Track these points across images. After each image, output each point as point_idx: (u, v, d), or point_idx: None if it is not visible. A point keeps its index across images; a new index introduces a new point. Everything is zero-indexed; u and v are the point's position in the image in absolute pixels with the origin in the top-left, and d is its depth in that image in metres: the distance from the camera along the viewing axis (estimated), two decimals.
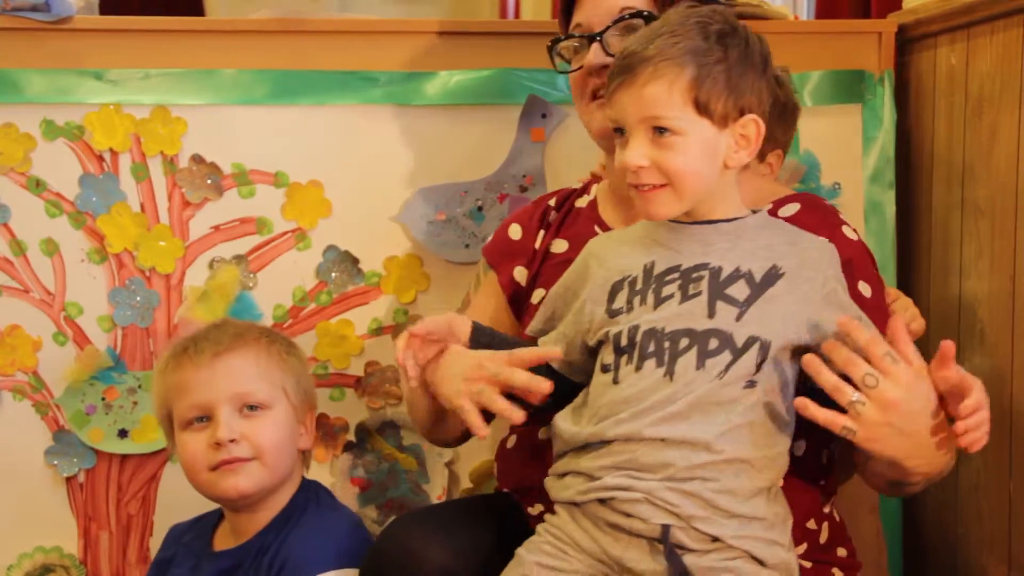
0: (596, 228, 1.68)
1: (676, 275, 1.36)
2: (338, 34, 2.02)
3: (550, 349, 1.43)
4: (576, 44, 1.64)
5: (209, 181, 2.00)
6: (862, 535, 1.88)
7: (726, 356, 1.32)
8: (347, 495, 2.03)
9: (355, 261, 2.03)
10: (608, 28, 1.60)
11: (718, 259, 1.36)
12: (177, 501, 2.01)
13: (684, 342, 1.33)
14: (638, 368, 1.34)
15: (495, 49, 2.01)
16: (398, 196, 2.02)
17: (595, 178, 1.79)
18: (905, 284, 2.06)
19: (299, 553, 1.56)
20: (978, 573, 1.86)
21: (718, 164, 1.35)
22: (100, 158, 1.98)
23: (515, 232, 1.73)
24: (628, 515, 1.30)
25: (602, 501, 1.32)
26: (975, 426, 1.28)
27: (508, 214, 1.99)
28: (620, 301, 1.39)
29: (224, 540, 1.68)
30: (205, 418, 1.60)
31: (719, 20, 1.35)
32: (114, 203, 1.98)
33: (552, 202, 1.75)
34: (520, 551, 1.37)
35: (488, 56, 2.01)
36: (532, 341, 1.51)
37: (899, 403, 1.28)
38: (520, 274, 1.70)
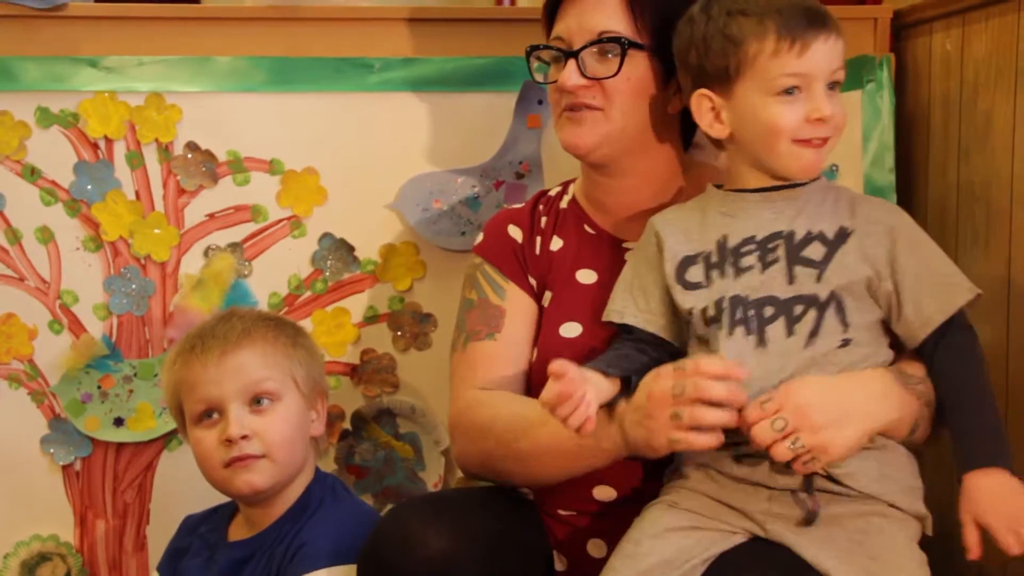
0: (586, 226, 1.68)
1: (752, 246, 1.41)
2: (334, 21, 2.01)
3: (734, 365, 1.35)
4: (554, 55, 1.63)
5: (204, 168, 2.00)
6: None
7: (812, 315, 1.37)
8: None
9: (351, 249, 2.03)
10: (585, 47, 1.57)
11: (788, 224, 1.41)
12: (173, 489, 2.02)
13: (769, 310, 1.38)
14: (730, 333, 1.38)
15: (491, 36, 2.00)
16: (394, 183, 2.02)
17: (567, 182, 1.78)
18: None
19: (313, 542, 1.56)
20: (975, 561, 1.86)
21: None
22: (95, 145, 1.98)
23: (515, 233, 1.71)
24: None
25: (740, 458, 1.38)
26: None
27: (504, 201, 1.99)
28: (697, 275, 1.43)
29: (239, 531, 1.68)
30: (215, 413, 1.60)
31: None
32: (109, 191, 1.98)
33: (541, 206, 1.73)
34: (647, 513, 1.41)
35: (484, 43, 2.00)
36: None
37: (809, 406, 1.31)
38: (532, 281, 1.69)
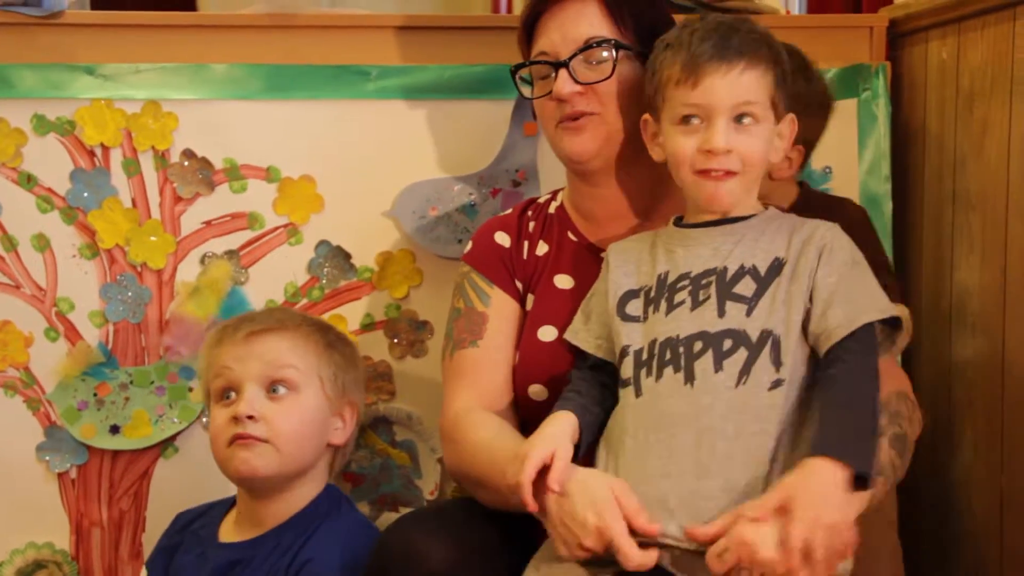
0: (569, 234, 1.71)
1: (687, 282, 1.43)
2: (330, 28, 2.01)
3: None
4: (542, 70, 1.65)
5: (200, 176, 2.00)
6: (874, 548, 1.86)
7: (742, 354, 1.35)
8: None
9: (347, 256, 2.03)
10: (575, 55, 1.60)
11: (723, 260, 1.42)
12: (169, 497, 2.01)
13: (698, 345, 1.37)
14: (658, 378, 1.39)
15: (488, 43, 2.00)
16: (390, 191, 2.01)
17: (556, 190, 1.80)
18: (898, 277, 2.07)
19: (320, 558, 1.56)
20: (972, 566, 1.87)
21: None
22: (91, 153, 1.98)
23: (503, 239, 1.73)
24: None
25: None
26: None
27: (501, 209, 1.99)
28: (635, 309, 1.46)
29: (232, 531, 1.67)
30: (233, 393, 1.62)
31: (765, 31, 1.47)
32: (105, 198, 1.98)
33: (529, 212, 1.76)
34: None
35: (481, 50, 2.01)
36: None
37: (768, 558, 1.24)
38: (518, 284, 1.71)
